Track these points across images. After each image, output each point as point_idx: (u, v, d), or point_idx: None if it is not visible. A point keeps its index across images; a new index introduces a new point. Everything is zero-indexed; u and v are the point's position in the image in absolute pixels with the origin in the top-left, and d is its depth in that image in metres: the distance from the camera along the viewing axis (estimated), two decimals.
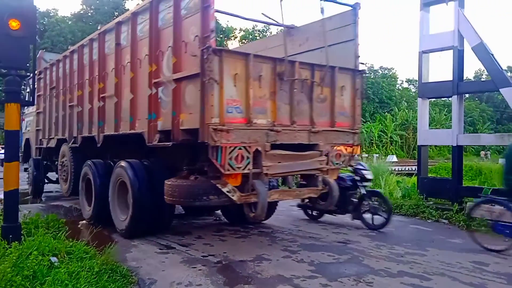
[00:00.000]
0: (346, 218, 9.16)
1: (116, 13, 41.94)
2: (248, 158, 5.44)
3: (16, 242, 4.91)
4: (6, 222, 5.27)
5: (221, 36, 42.30)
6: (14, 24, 5.11)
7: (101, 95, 7.80)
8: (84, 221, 8.25)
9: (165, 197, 5.86)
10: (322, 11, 6.66)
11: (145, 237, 6.93)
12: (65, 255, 4.92)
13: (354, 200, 8.00)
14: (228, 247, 6.34)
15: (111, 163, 7.69)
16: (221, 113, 5.24)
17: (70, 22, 39.22)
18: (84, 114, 8.57)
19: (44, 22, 36.89)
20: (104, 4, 40.44)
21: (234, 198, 5.54)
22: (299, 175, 6.99)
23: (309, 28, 7.74)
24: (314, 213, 8.83)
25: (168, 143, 5.90)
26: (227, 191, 5.51)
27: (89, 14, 40.87)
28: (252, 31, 47.39)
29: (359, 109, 6.88)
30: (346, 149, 6.72)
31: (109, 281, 4.45)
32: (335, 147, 6.52)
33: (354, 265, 5.51)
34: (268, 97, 5.76)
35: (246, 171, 5.47)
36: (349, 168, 7.47)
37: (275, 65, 5.81)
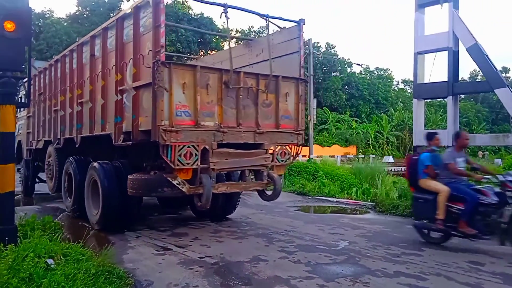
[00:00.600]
0: (344, 218, 9.17)
1: (111, 14, 41.87)
2: (196, 155, 6.29)
3: (12, 244, 4.89)
4: (2, 224, 5.23)
5: (217, 37, 42.29)
6: (9, 25, 5.08)
7: (79, 101, 8.61)
8: (65, 212, 9.05)
9: (128, 189, 6.67)
10: (267, 26, 7.70)
11: (140, 238, 6.94)
12: (61, 257, 4.90)
13: (503, 220, 6.06)
14: (225, 248, 6.34)
15: (91, 159, 8.33)
16: (170, 116, 6.10)
17: (65, 24, 39.11)
18: (66, 118, 9.33)
19: (40, 24, 36.78)
20: (99, 5, 40.35)
21: (184, 189, 6.33)
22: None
23: (264, 40, 8.46)
24: (436, 234, 6.79)
25: (129, 143, 6.75)
26: (177, 183, 6.28)
27: (85, 15, 40.77)
28: (249, 32, 47.40)
29: (303, 112, 7.75)
30: (290, 148, 7.60)
31: (106, 283, 4.43)
32: (282, 145, 7.42)
33: (351, 266, 5.53)
34: (215, 102, 6.63)
35: (195, 166, 6.31)
36: (495, 180, 6.51)
37: (221, 75, 6.69)
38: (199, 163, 6.33)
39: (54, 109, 10.02)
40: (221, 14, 6.88)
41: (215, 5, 7.08)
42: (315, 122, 22.82)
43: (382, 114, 51.67)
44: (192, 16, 41.42)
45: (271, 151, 7.36)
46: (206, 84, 6.49)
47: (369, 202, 11.26)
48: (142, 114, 6.49)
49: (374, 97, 54.47)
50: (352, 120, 49.11)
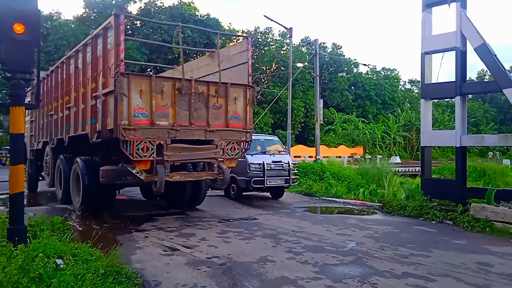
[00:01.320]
0: (351, 218, 9.15)
1: None
2: (152, 149, 7.61)
3: (22, 244, 4.94)
4: (12, 225, 5.29)
5: (223, 38, 42.35)
6: (18, 28, 5.14)
7: (67, 106, 10.11)
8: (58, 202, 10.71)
9: (100, 178, 8.01)
10: (216, 45, 9.41)
11: (148, 239, 6.98)
12: (70, 257, 4.94)
13: None
14: (232, 249, 6.35)
15: (76, 156, 9.64)
16: (129, 117, 7.41)
17: (73, 26, 39.34)
18: (58, 121, 10.86)
19: (47, 26, 37.04)
20: (106, 7, 40.54)
21: (142, 177, 7.65)
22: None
23: (223, 52, 9.96)
24: None
25: (99, 140, 8.21)
26: (136, 172, 7.61)
27: (92, 17, 40.97)
28: (254, 33, 47.43)
29: (251, 114, 9.07)
30: (239, 144, 8.89)
31: (114, 283, 4.46)
32: (231, 141, 8.74)
33: (359, 267, 5.52)
34: (169, 105, 7.89)
35: (151, 158, 7.62)
36: None
37: (174, 83, 8.02)
38: (155, 156, 7.64)
39: (49, 114, 11.62)
40: (176, 32, 8.43)
41: (170, 24, 8.23)
42: (321, 122, 22.78)
43: (389, 114, 51.46)
44: (199, 17, 41.53)
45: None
46: (161, 90, 7.82)
47: (376, 203, 11.22)
48: (109, 116, 7.80)
49: (380, 98, 54.25)
50: (359, 121, 48.97)
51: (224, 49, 10.26)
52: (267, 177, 11.50)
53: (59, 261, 4.68)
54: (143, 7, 42.33)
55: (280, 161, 11.93)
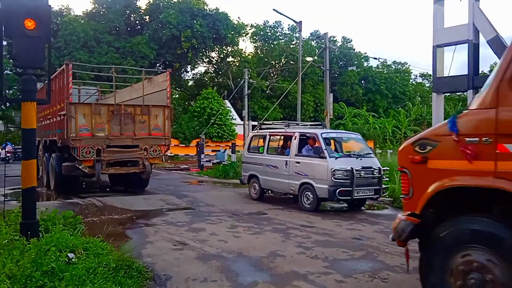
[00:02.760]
0: (361, 213, 9.12)
1: (127, 11, 42.17)
2: (92, 152, 11.08)
3: (34, 238, 5.00)
4: (25, 219, 5.35)
5: (232, 33, 42.26)
6: (29, 24, 5.16)
7: (48, 117, 13.58)
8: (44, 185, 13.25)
9: (62, 171, 11.43)
10: (143, 79, 13.25)
11: (158, 233, 7.02)
12: (82, 251, 4.99)
13: None
14: (242, 244, 6.37)
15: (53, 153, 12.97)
16: (76, 131, 10.96)
17: (82, 21, 39.48)
18: (46, 126, 14.01)
19: (57, 22, 37.20)
20: (115, 2, 40.58)
21: (86, 171, 11.12)
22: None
23: (155, 79, 13.66)
24: None
25: (61, 145, 11.80)
26: (82, 168, 11.12)
27: (101, 13, 41.05)
28: (264, 27, 47.27)
29: (169, 126, 12.46)
30: (160, 147, 12.24)
31: (126, 277, 4.50)
32: (153, 146, 12.05)
33: (369, 261, 5.50)
34: (105, 122, 11.37)
35: (92, 158, 11.08)
36: None
37: (109, 107, 11.63)
38: (95, 157, 11.13)
39: (40, 119, 14.45)
40: (111, 71, 13.23)
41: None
42: (331, 117, 22.66)
43: (400, 108, 50.99)
44: (207, 11, 41.46)
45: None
46: (99, 112, 11.39)
47: (387, 198, 11.15)
48: (65, 130, 11.03)
49: (391, 92, 53.77)
50: (369, 115, 48.59)
51: (155, 78, 13.90)
52: (356, 186, 9.06)
53: (71, 255, 4.74)
54: (151, 2, 42.34)
55: (371, 167, 9.48)
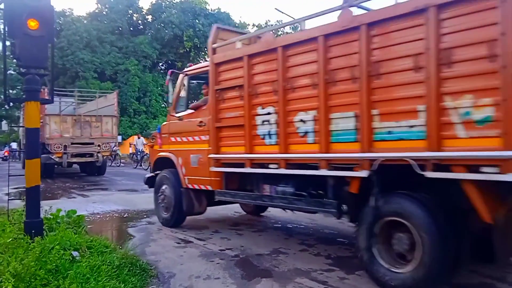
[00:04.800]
0: None
1: (130, 11, 42.25)
2: (61, 147, 17.16)
3: (38, 237, 5.03)
4: (29, 218, 5.38)
5: None
6: (32, 24, 5.19)
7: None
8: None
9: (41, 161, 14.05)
10: (98, 96, 19.78)
11: (162, 231, 7.06)
12: (86, 249, 5.02)
13: None
14: (245, 241, 6.39)
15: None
16: (50, 133, 17.07)
17: (85, 21, 39.62)
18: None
19: (60, 22, 37.34)
20: (118, 2, 40.70)
21: (57, 160, 17.15)
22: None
23: (109, 96, 19.51)
24: None
25: (43, 142, 15.78)
26: (54, 158, 16.96)
27: (104, 13, 41.18)
28: (265, 26, 47.23)
29: (116, 129, 18.86)
30: (109, 144, 18.58)
31: (130, 275, 4.52)
32: (104, 143, 18.39)
33: None
34: (70, 127, 17.43)
35: (61, 152, 17.10)
36: None
37: (72, 116, 17.68)
38: (63, 151, 17.10)
39: None
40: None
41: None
42: None
43: None
44: (209, 11, 41.49)
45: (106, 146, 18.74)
46: (66, 120, 17.38)
47: None
48: (42, 132, 14.04)
49: None
50: None
51: (109, 95, 19.81)
52: None
53: (75, 253, 4.77)
54: (154, 2, 42.42)
55: None
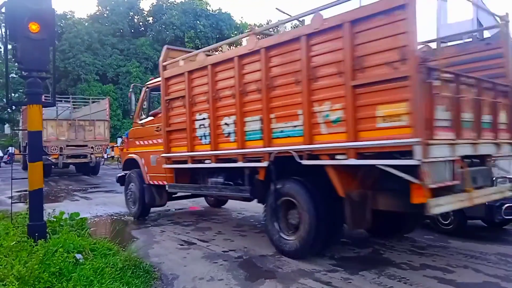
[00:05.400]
0: None
1: (131, 13, 42.30)
2: (57, 149, 18.31)
3: (42, 240, 5.04)
4: (32, 221, 5.39)
5: (235, 32, 42.30)
6: (34, 27, 5.20)
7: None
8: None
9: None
10: (92, 102, 21.11)
11: (165, 233, 7.06)
12: (89, 252, 5.03)
13: None
14: (248, 242, 6.38)
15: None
16: (47, 136, 17.56)
17: (86, 24, 39.70)
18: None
19: (61, 25, 37.40)
20: (119, 4, 40.78)
21: (53, 161, 18.32)
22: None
23: (101, 102, 20.99)
24: None
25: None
26: (50, 159, 17.92)
27: (105, 15, 41.25)
28: (267, 25, 47.22)
29: (108, 132, 20.16)
30: (102, 146, 19.84)
31: (133, 277, 4.53)
32: (97, 145, 19.54)
33: (375, 259, 5.49)
34: (65, 131, 18.73)
35: (57, 153, 18.30)
36: None
37: (68, 121, 19.11)
38: (59, 152, 18.26)
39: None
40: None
41: None
42: None
43: None
44: (210, 12, 41.52)
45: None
46: (62, 124, 18.70)
47: None
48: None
49: None
50: None
51: (101, 101, 21.09)
52: None
53: (78, 256, 4.77)
54: (155, 3, 42.47)
55: None
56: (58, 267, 4.30)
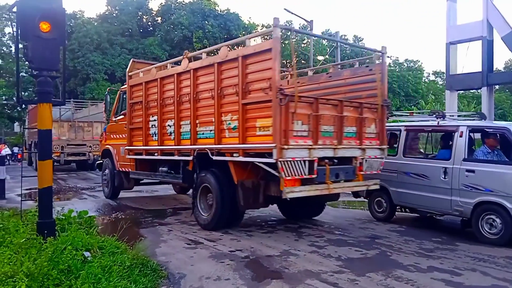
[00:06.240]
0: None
1: (140, 13, 42.49)
2: (59, 147, 19.88)
3: (51, 237, 5.07)
4: (41, 218, 5.44)
5: (243, 33, 42.34)
6: (44, 26, 5.24)
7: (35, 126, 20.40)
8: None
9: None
10: (90, 105, 22.15)
11: (172, 232, 7.10)
12: (97, 250, 5.06)
13: None
14: (255, 242, 6.39)
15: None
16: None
17: (95, 23, 39.90)
18: (34, 132, 19.15)
19: (71, 24, 37.65)
20: (128, 4, 40.94)
21: (56, 158, 19.10)
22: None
23: (99, 105, 20.57)
24: None
25: None
26: (54, 156, 15.27)
27: (114, 15, 41.43)
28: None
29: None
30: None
31: (140, 275, 4.56)
32: (95, 144, 20.33)
33: (383, 260, 5.47)
34: (66, 131, 20.64)
35: (59, 151, 19.99)
36: None
37: (68, 122, 20.74)
38: (60, 150, 20.01)
39: (33, 128, 20.09)
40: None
41: None
42: None
43: (413, 107, 50.46)
44: (219, 12, 41.59)
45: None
46: (63, 125, 20.49)
47: None
48: None
49: (404, 90, 53.22)
50: None
51: (99, 104, 20.63)
52: None
53: (86, 254, 4.81)
54: (163, 3, 42.62)
55: None
56: (66, 264, 4.33)
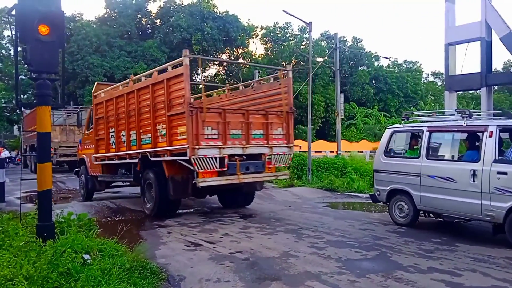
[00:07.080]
0: (374, 214, 9.07)
1: (139, 16, 42.53)
2: (51, 149, 14.51)
3: (50, 240, 5.07)
4: (41, 221, 5.43)
5: (242, 35, 42.37)
6: (43, 29, 5.25)
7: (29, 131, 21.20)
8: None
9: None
10: (80, 110, 18.89)
11: (172, 234, 7.08)
12: (97, 252, 5.06)
13: None
14: (254, 244, 6.38)
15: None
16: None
17: (94, 26, 39.90)
18: (30, 137, 22.17)
19: (70, 27, 37.63)
20: (127, 7, 40.96)
21: (54, 158, 20.66)
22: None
23: (89, 111, 19.68)
24: None
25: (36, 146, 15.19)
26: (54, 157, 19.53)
27: (113, 17, 41.46)
28: (273, 28, 47.27)
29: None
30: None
31: (140, 278, 4.55)
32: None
33: (382, 261, 5.47)
34: (58, 134, 21.73)
35: (53, 153, 19.43)
36: None
37: (60, 126, 21.95)
38: (53, 152, 17.70)
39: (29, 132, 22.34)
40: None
41: None
42: (342, 117, 22.53)
43: (412, 108, 50.54)
44: (218, 14, 41.63)
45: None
46: (55, 129, 20.58)
47: None
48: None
49: (403, 91, 53.29)
50: (381, 115, 48.23)
51: (89, 109, 21.20)
52: None
53: (86, 256, 4.80)
54: (162, 6, 42.66)
55: None
56: (66, 267, 4.33)
